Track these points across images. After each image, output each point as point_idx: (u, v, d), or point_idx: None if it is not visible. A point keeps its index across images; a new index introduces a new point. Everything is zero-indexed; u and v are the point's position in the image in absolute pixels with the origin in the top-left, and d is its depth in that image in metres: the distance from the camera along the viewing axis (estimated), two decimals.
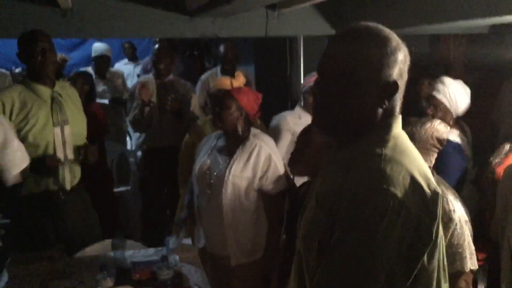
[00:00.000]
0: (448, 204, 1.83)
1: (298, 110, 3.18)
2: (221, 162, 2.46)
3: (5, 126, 2.40)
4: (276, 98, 3.69)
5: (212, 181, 2.44)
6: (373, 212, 1.00)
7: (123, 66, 5.84)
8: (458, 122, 2.83)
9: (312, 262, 1.13)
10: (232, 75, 3.61)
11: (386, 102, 1.12)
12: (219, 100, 2.46)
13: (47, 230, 2.63)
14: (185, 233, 2.51)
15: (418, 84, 3.23)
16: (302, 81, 3.32)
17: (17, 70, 5.49)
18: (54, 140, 2.57)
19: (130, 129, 4.49)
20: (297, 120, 3.02)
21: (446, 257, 1.20)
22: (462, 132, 2.83)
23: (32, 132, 2.52)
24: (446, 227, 1.79)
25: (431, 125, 1.88)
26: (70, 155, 2.63)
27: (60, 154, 2.58)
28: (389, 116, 1.15)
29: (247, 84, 4.03)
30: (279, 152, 2.62)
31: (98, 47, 4.76)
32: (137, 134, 3.94)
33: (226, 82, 3.02)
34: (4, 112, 2.49)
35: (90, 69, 4.71)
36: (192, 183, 2.64)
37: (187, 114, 3.69)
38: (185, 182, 2.95)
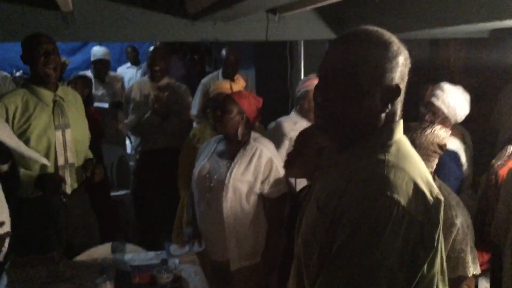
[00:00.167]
0: (450, 209, 1.82)
1: (293, 115, 3.15)
2: (221, 166, 2.46)
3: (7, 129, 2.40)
4: (277, 101, 3.69)
5: (212, 185, 2.44)
6: (377, 219, 0.99)
7: (125, 70, 5.85)
8: (456, 127, 2.82)
9: (312, 267, 1.13)
10: (232, 79, 3.62)
11: (389, 106, 1.12)
12: (221, 104, 2.46)
13: (47, 233, 2.62)
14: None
15: (422, 89, 3.22)
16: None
17: (18, 74, 5.49)
18: (55, 143, 2.57)
19: (129, 133, 4.49)
20: (292, 126, 3.00)
21: (449, 262, 1.19)
22: (460, 137, 2.82)
23: (34, 135, 2.52)
24: (448, 232, 1.78)
25: (431, 131, 1.88)
26: (71, 159, 2.63)
27: (61, 158, 2.58)
28: (390, 120, 1.14)
29: (247, 87, 4.04)
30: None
31: (97, 51, 4.77)
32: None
33: (225, 86, 3.03)
34: (7, 116, 2.49)
35: (89, 73, 4.72)
36: (193, 194, 2.62)
37: (182, 116, 3.69)
38: (185, 185, 2.95)
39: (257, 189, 2.42)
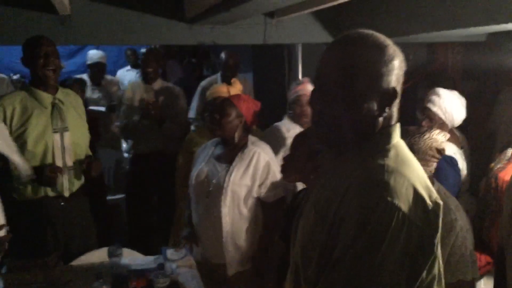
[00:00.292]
0: (449, 213, 1.82)
1: (286, 122, 3.08)
2: (219, 169, 2.45)
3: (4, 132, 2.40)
4: (274, 105, 3.69)
5: (210, 189, 2.43)
6: (378, 225, 0.99)
7: (125, 73, 5.84)
8: (452, 131, 2.81)
9: (311, 272, 1.12)
10: (229, 82, 3.62)
11: (387, 110, 1.12)
12: (219, 107, 2.46)
13: (45, 237, 2.61)
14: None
15: (420, 93, 3.22)
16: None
17: (15, 77, 5.49)
18: (53, 146, 2.56)
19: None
20: (286, 133, 2.95)
21: (448, 266, 1.19)
22: (457, 141, 2.82)
23: (31, 137, 2.51)
24: (447, 237, 1.78)
25: (429, 136, 1.88)
26: (70, 162, 2.62)
27: (59, 161, 2.58)
28: (388, 124, 1.14)
29: (245, 91, 4.03)
30: None
31: (93, 54, 4.76)
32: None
33: (223, 89, 3.02)
34: (4, 117, 2.49)
35: (85, 76, 4.71)
36: (190, 197, 2.62)
37: (174, 119, 3.68)
38: (183, 188, 2.94)
39: (254, 192, 2.42)
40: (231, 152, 2.47)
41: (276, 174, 2.44)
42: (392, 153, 1.10)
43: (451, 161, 2.63)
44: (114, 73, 5.67)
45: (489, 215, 2.42)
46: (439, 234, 1.07)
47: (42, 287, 2.16)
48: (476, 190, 2.71)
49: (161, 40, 3.72)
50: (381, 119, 1.12)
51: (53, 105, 2.59)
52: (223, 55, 4.15)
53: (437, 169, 2.46)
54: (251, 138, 2.52)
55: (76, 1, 3.12)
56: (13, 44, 2.74)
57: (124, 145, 4.91)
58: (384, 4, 3.00)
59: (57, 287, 2.16)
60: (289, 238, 1.31)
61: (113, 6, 3.24)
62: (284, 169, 2.12)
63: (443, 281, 1.16)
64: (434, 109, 2.65)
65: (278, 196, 2.45)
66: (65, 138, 2.59)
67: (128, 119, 3.66)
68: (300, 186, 2.47)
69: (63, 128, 2.60)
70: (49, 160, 2.56)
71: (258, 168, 2.40)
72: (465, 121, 2.78)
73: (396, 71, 1.11)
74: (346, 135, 1.13)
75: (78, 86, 3.71)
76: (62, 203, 2.62)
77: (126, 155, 4.82)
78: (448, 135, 1.99)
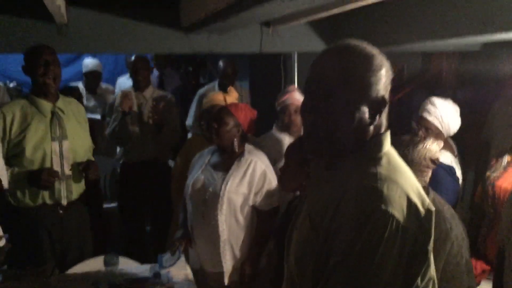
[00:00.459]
0: (444, 222, 1.82)
1: (275, 132, 3.03)
2: (216, 178, 2.45)
3: None
4: (270, 113, 3.70)
5: (207, 197, 2.43)
6: (373, 233, 1.00)
7: (125, 81, 5.83)
8: (446, 140, 2.82)
9: (306, 282, 1.12)
10: (225, 90, 3.62)
11: (377, 118, 1.13)
12: (217, 116, 2.46)
13: (42, 244, 2.60)
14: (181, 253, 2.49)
15: (419, 104, 3.22)
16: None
17: (11, 85, 5.48)
18: (51, 154, 2.56)
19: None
20: (275, 144, 2.91)
21: (444, 275, 1.20)
22: (451, 150, 2.82)
23: (29, 145, 2.52)
24: (443, 246, 1.78)
25: (423, 146, 1.88)
26: (68, 171, 2.62)
27: (57, 169, 2.58)
28: (378, 132, 1.15)
29: (242, 99, 4.05)
30: None
31: (89, 62, 4.76)
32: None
33: (219, 97, 3.03)
34: (4, 124, 2.51)
35: (80, 85, 4.71)
36: (185, 201, 2.62)
37: (169, 125, 3.67)
38: (179, 197, 2.93)
39: (250, 201, 2.42)
40: (227, 160, 2.47)
41: (272, 183, 2.44)
42: (384, 161, 1.11)
43: (450, 170, 2.64)
44: (110, 81, 5.66)
45: (486, 223, 2.43)
46: (432, 241, 1.08)
47: None
48: (469, 198, 2.72)
49: (158, 49, 3.73)
50: (372, 127, 1.14)
51: (53, 114, 2.60)
52: (221, 63, 4.17)
53: (437, 179, 2.48)
54: (248, 146, 2.52)
55: (73, 10, 3.14)
56: (10, 52, 2.75)
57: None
58: (380, 14, 3.03)
59: None
60: (283, 246, 1.31)
61: (110, 15, 3.25)
62: (280, 179, 2.14)
63: (436, 286, 1.16)
64: (430, 118, 2.64)
65: (273, 205, 2.45)
66: (63, 146, 2.59)
67: (120, 128, 3.62)
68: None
69: (62, 136, 2.60)
70: (46, 168, 2.55)
71: (255, 176, 2.40)
72: (460, 129, 2.79)
73: (384, 79, 1.13)
74: (338, 145, 1.14)
75: (76, 94, 3.69)
76: (60, 211, 2.62)
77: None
78: (442, 144, 2.00)
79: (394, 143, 1.78)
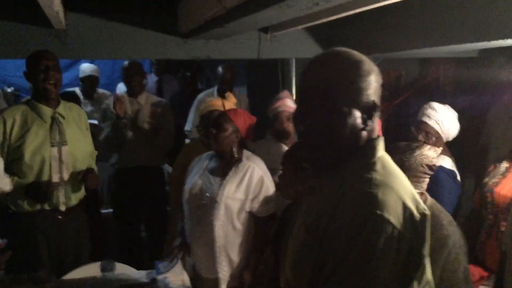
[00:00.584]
0: (441, 229, 1.82)
1: (268, 140, 3.00)
2: (213, 183, 2.45)
3: None
4: (268, 119, 3.71)
5: (204, 202, 2.43)
6: (369, 238, 1.00)
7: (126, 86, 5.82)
8: (444, 145, 2.82)
9: None
10: (223, 96, 3.62)
11: (369, 123, 1.13)
12: (215, 122, 2.46)
13: (39, 250, 2.60)
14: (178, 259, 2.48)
15: (417, 110, 3.23)
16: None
17: (9, 90, 5.49)
18: (50, 160, 2.56)
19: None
20: (269, 155, 2.83)
21: (441, 282, 1.20)
22: (449, 155, 2.83)
23: (28, 150, 2.52)
24: (440, 252, 1.78)
25: (420, 152, 1.88)
26: (67, 177, 2.62)
27: (55, 175, 2.58)
28: (370, 136, 1.16)
29: (241, 105, 4.05)
30: None
31: (86, 67, 4.76)
32: None
33: (218, 103, 3.02)
34: (4, 129, 2.52)
35: (77, 90, 4.70)
36: (183, 208, 2.61)
37: (164, 131, 3.66)
38: (177, 202, 2.92)
39: (247, 207, 2.41)
40: (225, 165, 2.47)
41: (269, 189, 2.44)
42: (378, 166, 1.12)
43: (452, 174, 2.65)
44: (108, 87, 5.66)
45: (484, 229, 2.42)
46: (427, 245, 1.08)
47: None
48: (466, 204, 2.72)
49: (156, 55, 3.73)
50: (364, 132, 1.15)
51: (53, 119, 2.60)
52: (220, 69, 4.17)
53: (439, 183, 2.50)
54: (246, 152, 2.52)
55: (71, 15, 3.15)
56: (8, 58, 2.75)
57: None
58: (377, 20, 3.04)
59: None
60: (279, 253, 1.31)
61: (108, 21, 3.26)
62: (279, 187, 2.15)
63: None
64: (430, 122, 2.65)
65: (270, 212, 2.45)
66: (63, 152, 2.59)
67: (113, 133, 3.60)
68: None
69: (61, 142, 2.60)
70: (45, 173, 2.56)
71: (252, 182, 2.40)
72: (457, 135, 2.80)
73: (373, 84, 1.14)
74: (332, 153, 1.15)
75: (73, 100, 3.68)
76: (59, 217, 2.61)
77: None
78: (439, 151, 2.00)
79: (391, 150, 1.78)
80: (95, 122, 4.56)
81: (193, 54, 3.48)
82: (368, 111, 1.14)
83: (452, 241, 1.81)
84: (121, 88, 5.67)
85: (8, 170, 2.56)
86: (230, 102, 3.08)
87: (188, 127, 4.18)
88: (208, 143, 2.68)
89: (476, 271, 2.38)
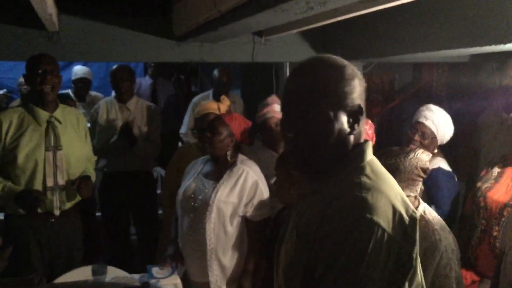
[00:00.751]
0: (434, 234, 1.82)
1: (257, 147, 2.98)
2: (206, 186, 2.45)
3: None
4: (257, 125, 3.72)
5: (196, 205, 2.42)
6: (358, 242, 1.00)
7: None
8: (439, 150, 2.84)
9: None
10: (219, 99, 3.62)
11: (356, 127, 1.14)
12: (211, 125, 2.46)
13: (31, 253, 2.58)
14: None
15: (412, 113, 3.24)
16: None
17: (1, 92, 5.45)
18: (44, 164, 2.55)
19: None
20: (259, 162, 2.77)
21: (433, 287, 1.19)
22: (443, 156, 2.85)
23: (22, 153, 2.51)
24: (432, 257, 1.78)
25: (414, 155, 1.90)
26: (61, 181, 2.60)
27: (50, 179, 2.57)
28: (358, 140, 1.17)
29: (237, 109, 4.05)
30: None
31: (78, 69, 4.74)
32: None
33: (213, 106, 3.02)
34: (0, 131, 2.52)
35: (70, 92, 4.68)
36: (177, 215, 2.60)
37: (150, 137, 3.63)
38: (170, 206, 2.92)
39: (240, 211, 2.41)
40: (220, 169, 2.47)
41: (264, 194, 2.43)
42: (367, 170, 1.12)
43: (451, 175, 2.69)
44: (102, 89, 5.64)
45: (476, 234, 2.43)
46: (417, 247, 1.08)
47: None
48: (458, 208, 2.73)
49: (150, 58, 3.73)
50: (352, 137, 1.15)
51: (48, 123, 2.59)
52: (216, 72, 4.16)
53: (438, 184, 2.55)
54: (241, 156, 2.52)
55: (64, 18, 3.14)
56: (1, 59, 2.74)
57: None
58: (371, 25, 3.05)
59: None
60: (272, 256, 1.31)
61: (102, 23, 3.25)
62: (274, 191, 2.15)
63: None
64: (427, 123, 2.68)
65: (264, 216, 2.44)
66: (57, 156, 2.58)
67: (102, 140, 3.57)
68: None
69: (56, 146, 2.59)
70: (38, 177, 2.55)
71: (246, 186, 2.40)
72: (450, 140, 2.82)
73: (358, 88, 1.15)
74: (321, 159, 1.15)
75: (68, 102, 3.66)
76: (51, 220, 2.60)
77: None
78: (430, 155, 2.01)
79: (384, 154, 1.79)
80: (88, 125, 4.54)
81: (187, 57, 3.48)
82: (354, 115, 1.14)
83: (444, 246, 1.82)
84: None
85: (1, 172, 2.55)
86: (225, 105, 3.08)
87: (183, 130, 4.17)
88: (202, 146, 2.67)
89: (468, 275, 2.39)
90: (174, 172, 3.03)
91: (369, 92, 4.54)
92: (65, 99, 3.69)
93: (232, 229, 2.41)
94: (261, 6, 1.79)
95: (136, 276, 2.40)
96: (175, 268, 2.45)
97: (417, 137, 2.68)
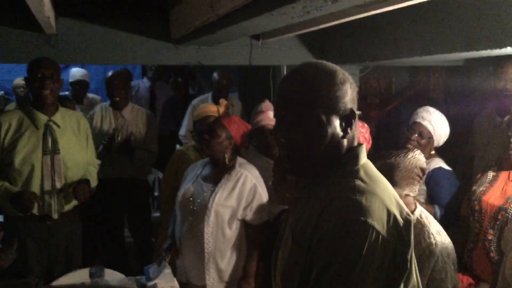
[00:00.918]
0: (429, 237, 1.83)
1: (252, 153, 2.95)
2: (205, 189, 2.45)
3: None
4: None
5: (195, 208, 2.42)
6: (353, 244, 1.01)
7: None
8: (435, 152, 2.87)
9: None
10: (218, 102, 3.62)
11: (349, 131, 1.15)
12: (209, 128, 2.46)
13: (28, 255, 2.58)
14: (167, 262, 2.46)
15: (409, 116, 3.26)
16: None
17: None
18: (42, 167, 2.55)
19: None
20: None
21: None
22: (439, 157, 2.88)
23: (19, 156, 2.52)
24: (427, 261, 1.79)
25: (413, 155, 1.92)
26: (59, 185, 2.60)
27: (47, 183, 2.57)
28: (352, 144, 1.18)
29: (236, 111, 4.05)
30: None
31: (76, 72, 4.73)
32: None
33: (212, 108, 3.02)
34: None
35: (68, 94, 4.68)
36: (175, 212, 2.60)
37: (145, 144, 3.60)
38: (168, 208, 2.92)
39: (239, 215, 2.41)
40: (218, 172, 2.47)
41: (263, 197, 2.43)
42: (361, 174, 1.13)
43: (451, 173, 2.74)
44: (99, 92, 5.64)
45: (472, 237, 2.44)
46: (411, 249, 1.09)
47: None
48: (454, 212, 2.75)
49: (147, 60, 3.73)
50: (345, 141, 1.16)
51: (46, 127, 2.58)
52: (216, 74, 4.15)
53: (439, 182, 2.63)
54: (240, 160, 2.52)
55: (62, 20, 3.14)
56: None
57: None
58: (368, 29, 3.07)
59: None
60: (270, 259, 1.32)
61: (99, 26, 3.26)
62: (271, 193, 2.16)
63: None
64: (424, 123, 2.73)
65: (263, 220, 2.44)
66: (55, 160, 2.58)
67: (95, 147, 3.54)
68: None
69: (54, 150, 2.59)
70: (35, 180, 2.55)
71: (244, 190, 2.40)
72: (446, 143, 2.84)
73: (349, 92, 1.16)
74: (315, 163, 1.16)
75: (68, 104, 3.66)
76: (49, 222, 2.59)
77: None
78: (425, 156, 2.04)
79: (383, 156, 1.80)
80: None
81: (184, 60, 3.48)
82: (347, 119, 1.15)
83: (439, 249, 1.82)
84: None
85: (0, 173, 2.55)
86: (223, 108, 3.08)
87: (182, 132, 4.17)
88: (201, 149, 2.67)
89: (465, 279, 2.40)
90: (172, 174, 3.03)
91: (366, 95, 4.57)
92: (63, 101, 3.69)
93: (231, 233, 2.41)
94: (258, 10, 1.80)
95: (134, 279, 2.39)
96: (166, 261, 2.41)
97: (414, 137, 2.74)
